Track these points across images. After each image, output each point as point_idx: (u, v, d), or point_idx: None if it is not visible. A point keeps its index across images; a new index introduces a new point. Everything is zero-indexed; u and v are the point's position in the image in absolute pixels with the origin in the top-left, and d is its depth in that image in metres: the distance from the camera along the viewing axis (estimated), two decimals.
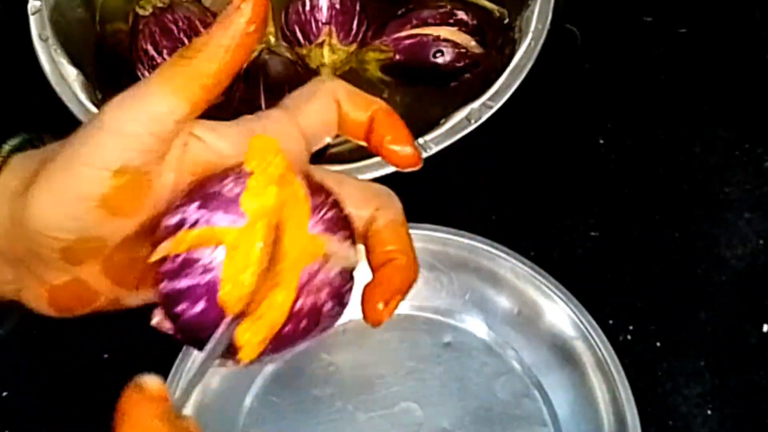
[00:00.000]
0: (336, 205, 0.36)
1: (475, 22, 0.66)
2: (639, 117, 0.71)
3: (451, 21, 0.66)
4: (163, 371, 0.58)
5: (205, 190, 0.34)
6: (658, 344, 0.62)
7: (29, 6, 0.63)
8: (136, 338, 0.63)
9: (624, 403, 0.55)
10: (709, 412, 0.60)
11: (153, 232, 0.35)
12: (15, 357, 0.63)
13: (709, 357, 0.61)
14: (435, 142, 0.58)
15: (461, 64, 0.66)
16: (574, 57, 0.72)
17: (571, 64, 0.72)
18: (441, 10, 0.66)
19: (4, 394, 0.61)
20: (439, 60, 0.66)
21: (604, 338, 0.57)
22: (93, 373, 0.62)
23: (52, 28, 0.62)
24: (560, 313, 0.58)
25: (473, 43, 0.66)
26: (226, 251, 0.32)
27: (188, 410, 0.55)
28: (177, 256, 0.33)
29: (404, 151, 0.39)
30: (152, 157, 0.34)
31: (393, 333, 0.60)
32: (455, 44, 0.65)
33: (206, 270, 0.32)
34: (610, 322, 0.58)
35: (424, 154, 0.57)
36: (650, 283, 0.64)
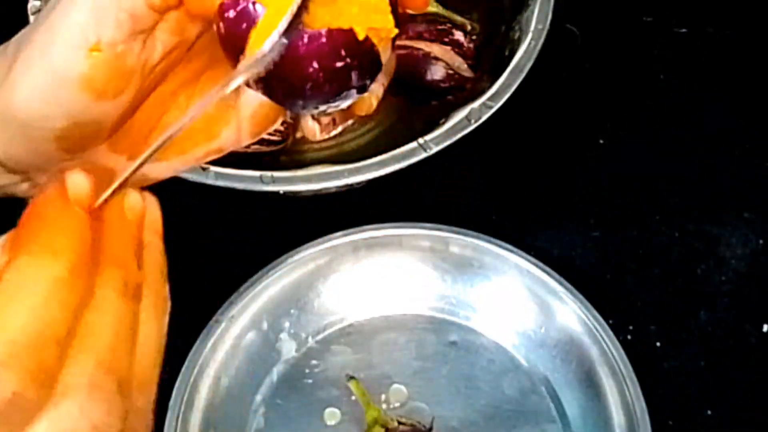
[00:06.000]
0: None
1: (471, 45, 0.66)
2: (639, 117, 0.71)
3: (446, 40, 0.66)
4: (162, 372, 0.58)
5: None
6: (658, 344, 0.62)
7: (29, 6, 0.63)
8: None
9: (633, 398, 0.55)
10: (709, 412, 0.60)
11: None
12: None
13: (709, 357, 0.61)
14: (435, 142, 0.58)
15: (447, 84, 0.65)
16: (574, 57, 0.72)
17: (571, 64, 0.72)
18: (439, 27, 0.66)
19: None
20: (426, 76, 0.65)
21: (611, 333, 0.57)
22: None
23: None
24: (566, 309, 0.58)
25: (464, 66, 0.65)
26: None
27: (197, 412, 0.56)
28: None
29: None
30: (128, 33, 0.33)
31: (399, 333, 0.61)
32: (446, 64, 0.65)
33: None
34: (610, 321, 0.58)
35: (424, 154, 0.57)
36: (650, 283, 0.64)
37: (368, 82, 0.35)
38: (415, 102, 0.66)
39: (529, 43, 0.62)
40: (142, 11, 0.33)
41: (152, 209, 0.31)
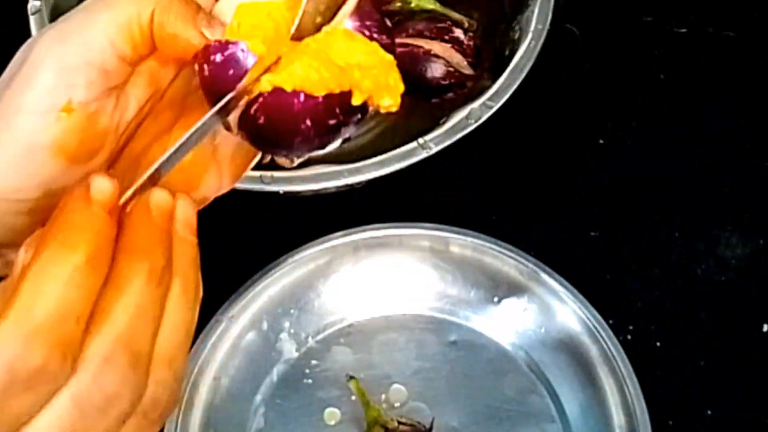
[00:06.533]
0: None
1: (471, 43, 0.66)
2: (639, 117, 0.71)
3: (447, 38, 0.66)
4: None
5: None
6: (658, 344, 0.62)
7: (29, 6, 0.63)
8: None
9: (633, 398, 0.55)
10: (709, 412, 0.60)
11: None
12: None
13: (709, 357, 0.61)
14: (435, 142, 0.58)
15: (447, 82, 0.65)
16: (574, 57, 0.72)
17: (571, 64, 0.72)
18: (439, 25, 0.66)
19: None
20: (427, 74, 0.65)
21: (611, 333, 0.57)
22: None
23: None
24: (566, 309, 0.58)
25: (465, 63, 0.66)
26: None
27: (197, 412, 0.56)
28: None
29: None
30: (99, 90, 0.32)
31: (399, 333, 0.61)
32: (446, 61, 0.65)
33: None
34: (610, 321, 0.58)
35: (425, 154, 0.57)
36: (650, 283, 0.64)
37: (354, 130, 0.35)
38: (416, 100, 0.66)
39: (529, 43, 0.62)
40: (114, 65, 0.32)
41: (184, 207, 0.32)
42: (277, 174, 0.56)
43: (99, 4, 0.33)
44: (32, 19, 0.63)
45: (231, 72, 0.32)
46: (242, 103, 0.32)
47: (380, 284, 0.61)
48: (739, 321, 0.63)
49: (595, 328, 0.57)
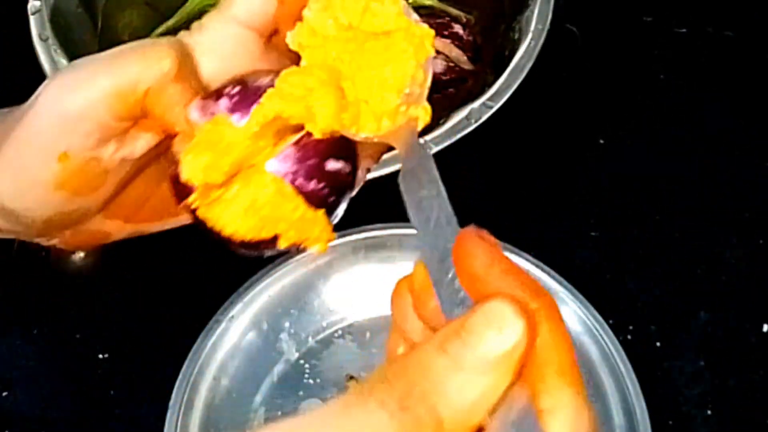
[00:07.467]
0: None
1: (471, 38, 0.66)
2: (639, 117, 0.71)
3: (446, 33, 0.66)
4: (162, 372, 0.58)
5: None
6: (658, 344, 0.62)
7: (29, 6, 0.63)
8: (135, 339, 0.63)
9: (633, 398, 0.55)
10: (709, 412, 0.60)
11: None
12: (15, 357, 0.63)
13: (709, 357, 0.61)
14: (435, 142, 0.58)
15: (447, 77, 0.65)
16: (574, 57, 0.72)
17: (571, 64, 0.72)
18: (438, 20, 0.66)
19: (4, 394, 0.61)
20: None
21: (611, 333, 0.57)
22: (92, 373, 0.62)
23: (52, 28, 0.62)
24: (565, 308, 0.58)
25: (464, 58, 0.66)
26: None
27: (197, 412, 0.56)
28: None
29: None
30: (95, 142, 0.33)
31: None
32: (445, 57, 0.65)
33: None
34: (610, 322, 0.58)
35: None
36: (650, 283, 0.64)
37: None
38: None
39: (529, 43, 0.62)
40: (110, 122, 0.33)
41: None
42: None
43: (105, 63, 0.34)
44: (32, 19, 0.63)
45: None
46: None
47: (380, 284, 0.61)
48: (739, 321, 0.63)
49: (595, 328, 0.57)
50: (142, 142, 0.35)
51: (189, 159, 0.32)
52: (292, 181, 0.33)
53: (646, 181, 0.68)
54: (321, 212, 0.33)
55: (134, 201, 0.37)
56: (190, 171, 0.32)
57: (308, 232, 0.33)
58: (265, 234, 0.32)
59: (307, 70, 0.32)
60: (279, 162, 0.33)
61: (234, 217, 0.32)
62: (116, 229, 0.37)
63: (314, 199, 0.33)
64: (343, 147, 0.34)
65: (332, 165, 0.34)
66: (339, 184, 0.34)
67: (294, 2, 0.33)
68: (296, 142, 0.33)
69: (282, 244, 0.33)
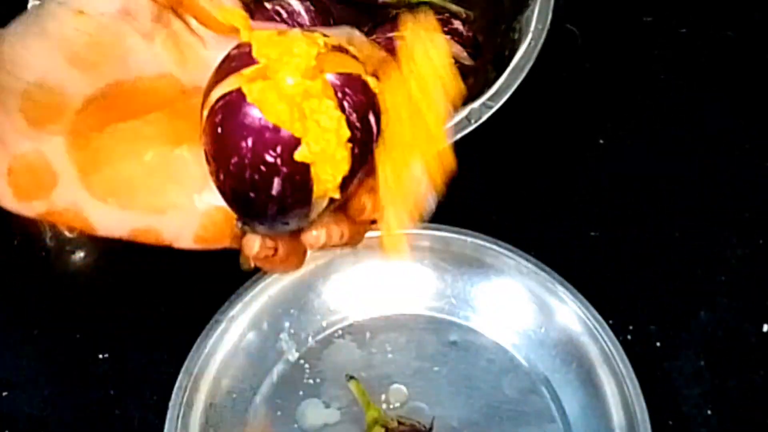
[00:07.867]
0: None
1: (470, 34, 0.66)
2: (639, 117, 0.71)
3: (446, 29, 0.66)
4: (162, 372, 0.58)
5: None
6: (658, 344, 0.62)
7: (29, 6, 0.63)
8: (135, 339, 0.63)
9: (633, 398, 0.55)
10: (709, 412, 0.60)
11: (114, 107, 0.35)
12: (15, 357, 0.63)
13: (709, 357, 0.61)
14: None
15: None
16: (574, 57, 0.72)
17: (571, 64, 0.72)
18: (437, 17, 0.66)
19: (4, 394, 0.61)
20: None
21: (611, 333, 0.57)
22: (92, 373, 0.62)
23: None
24: (566, 309, 0.58)
25: (464, 54, 0.66)
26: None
27: (197, 412, 0.56)
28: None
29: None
30: (116, 8, 0.34)
31: (399, 333, 0.61)
32: None
33: None
34: (610, 322, 0.58)
35: None
36: (650, 283, 0.64)
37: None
38: None
39: (529, 43, 0.62)
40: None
41: None
42: None
43: None
44: None
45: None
46: None
47: (380, 284, 0.61)
48: (739, 321, 0.63)
49: (595, 328, 0.57)
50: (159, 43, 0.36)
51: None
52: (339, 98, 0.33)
53: (646, 181, 0.68)
54: (348, 135, 0.33)
55: (88, 140, 0.36)
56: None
57: (331, 148, 0.33)
58: (296, 128, 0.33)
59: None
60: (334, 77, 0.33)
61: (278, 99, 0.32)
62: (66, 173, 0.36)
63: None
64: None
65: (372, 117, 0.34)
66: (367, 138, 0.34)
67: None
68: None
69: (300, 154, 0.33)
